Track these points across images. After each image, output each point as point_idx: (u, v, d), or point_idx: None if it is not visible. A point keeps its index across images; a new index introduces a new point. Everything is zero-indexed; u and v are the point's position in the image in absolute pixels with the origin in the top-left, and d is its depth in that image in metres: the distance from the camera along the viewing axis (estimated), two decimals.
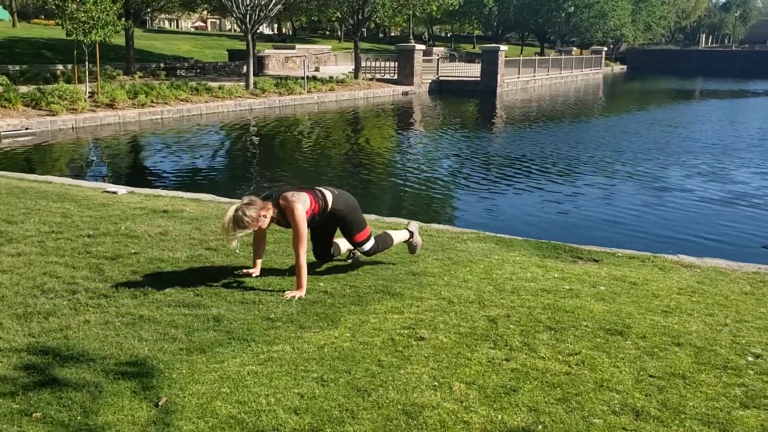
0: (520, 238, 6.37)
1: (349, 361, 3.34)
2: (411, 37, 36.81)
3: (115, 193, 8.02)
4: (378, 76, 32.97)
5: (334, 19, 34.39)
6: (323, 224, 4.60)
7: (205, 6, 34.99)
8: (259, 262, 4.68)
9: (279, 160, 14.48)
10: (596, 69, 52.82)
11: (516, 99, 31.87)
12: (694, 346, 3.71)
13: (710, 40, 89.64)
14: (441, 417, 2.86)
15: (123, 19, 20.30)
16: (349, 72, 32.09)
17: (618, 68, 65.09)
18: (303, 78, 25.94)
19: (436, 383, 3.16)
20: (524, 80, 37.32)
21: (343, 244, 4.92)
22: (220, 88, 22.75)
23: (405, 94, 30.55)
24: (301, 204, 4.27)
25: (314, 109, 24.09)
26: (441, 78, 34.65)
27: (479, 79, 33.77)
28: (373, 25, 65.82)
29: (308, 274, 4.57)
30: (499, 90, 33.30)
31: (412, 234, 5.11)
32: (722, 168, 13.33)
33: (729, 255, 6.61)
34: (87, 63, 19.30)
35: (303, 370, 3.24)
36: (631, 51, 74.42)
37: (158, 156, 14.58)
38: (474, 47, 62.36)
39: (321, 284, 4.53)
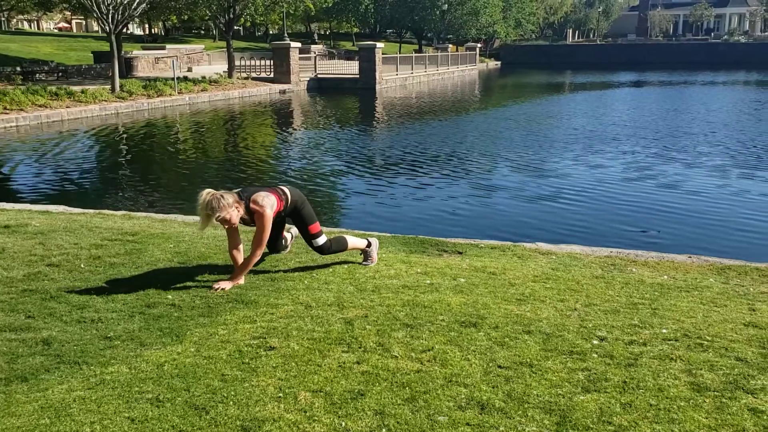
0: (388, 234, 6.35)
1: (189, 378, 3.14)
2: (285, 34, 36.42)
3: None
4: (254, 74, 32.38)
5: (205, 17, 33.40)
6: (282, 220, 4.82)
7: (64, 5, 33.04)
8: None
9: (147, 166, 13.86)
10: (471, 65, 54.33)
11: (395, 96, 32.18)
12: (544, 333, 3.77)
13: (577, 35, 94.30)
14: (282, 430, 2.72)
15: None
16: (224, 72, 31.32)
17: (493, 64, 67.23)
18: (173, 79, 25.03)
19: (281, 394, 3.02)
20: (402, 77, 37.79)
21: (350, 239, 5.10)
22: (83, 92, 21.57)
23: (282, 92, 30.17)
24: (270, 208, 4.42)
25: (186, 110, 23.31)
26: (319, 76, 34.50)
27: (358, 76, 33.89)
28: (249, 24, 64.66)
29: (155, 287, 4.33)
30: (378, 87, 33.54)
31: (369, 244, 5.13)
32: (580, 159, 13.95)
33: (585, 241, 6.89)
34: None
35: (138, 391, 3.01)
36: (505, 47, 77.04)
37: (7, 167, 13.57)
38: (353, 45, 62.54)
39: (169, 296, 4.29)
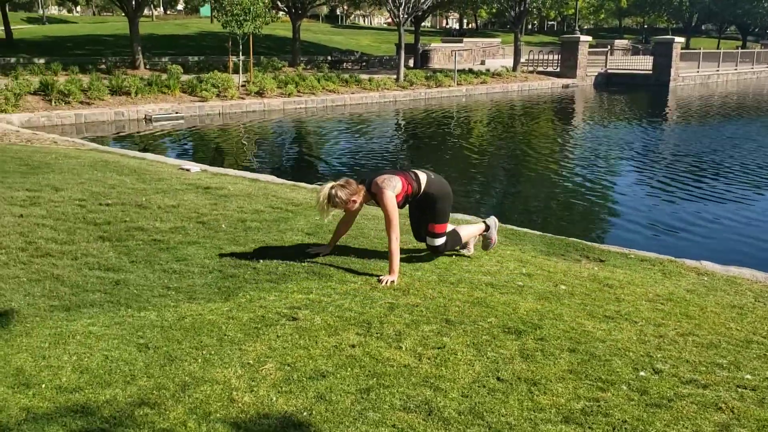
0: (537, 233, 5.95)
1: (191, 333, 3.33)
2: (576, 28, 35.21)
3: (188, 170, 8.53)
4: (540, 69, 31.96)
5: (494, 11, 33.73)
6: (418, 205, 4.64)
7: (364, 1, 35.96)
8: (334, 243, 4.80)
9: (392, 150, 14.56)
10: None
11: (692, 94, 29.34)
12: (590, 354, 3.28)
13: None
14: (208, 394, 2.77)
15: (274, 11, 21.43)
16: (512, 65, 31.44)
17: None
18: (453, 71, 25.83)
19: (250, 361, 3.05)
20: (704, 74, 34.25)
21: (463, 231, 4.84)
22: (369, 80, 23.30)
23: (565, 87, 29.33)
24: (391, 189, 4.34)
25: (461, 101, 23.89)
26: (609, 71, 32.84)
27: (651, 72, 31.58)
28: (559, 19, 63.75)
29: (259, 251, 4.60)
30: (672, 84, 30.91)
31: (488, 228, 4.93)
32: None
33: None
34: (240, 53, 20.68)
35: (138, 336, 3.26)
36: None
37: (274, 142, 15.25)
38: None
39: (261, 261, 4.51)
